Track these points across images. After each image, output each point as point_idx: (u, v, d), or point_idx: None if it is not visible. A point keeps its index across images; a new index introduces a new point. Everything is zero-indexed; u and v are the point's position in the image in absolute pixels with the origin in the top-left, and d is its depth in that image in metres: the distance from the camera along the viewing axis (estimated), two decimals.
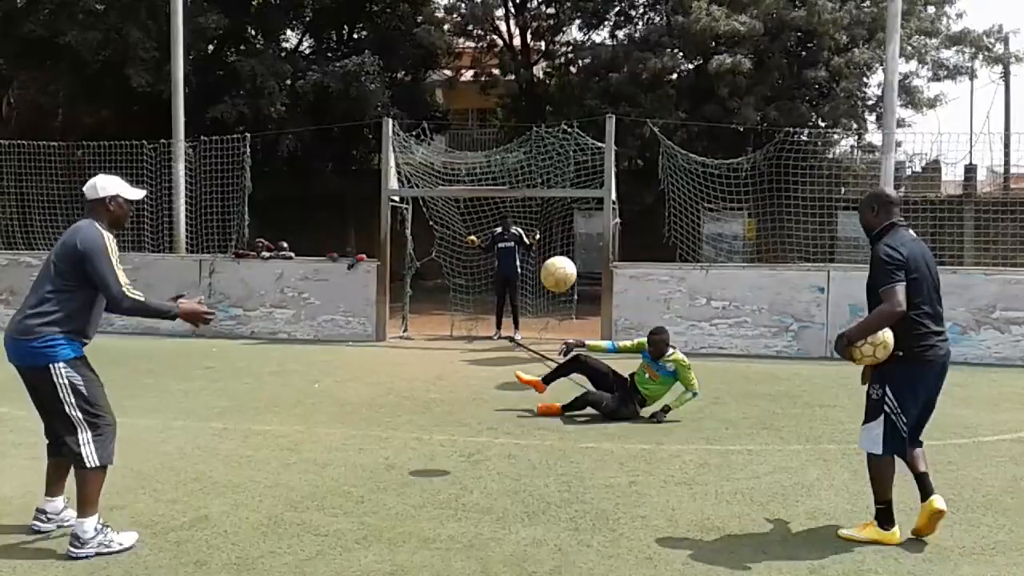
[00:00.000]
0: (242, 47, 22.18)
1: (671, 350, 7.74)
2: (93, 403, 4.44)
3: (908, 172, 20.52)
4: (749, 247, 17.94)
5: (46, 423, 4.57)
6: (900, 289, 4.36)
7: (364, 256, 13.18)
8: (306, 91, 20.45)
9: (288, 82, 20.79)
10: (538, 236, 14.03)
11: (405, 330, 13.60)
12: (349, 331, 12.83)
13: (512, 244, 13.33)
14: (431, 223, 14.38)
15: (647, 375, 7.79)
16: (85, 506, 4.37)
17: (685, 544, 4.58)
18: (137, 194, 4.77)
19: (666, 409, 7.56)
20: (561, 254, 15.14)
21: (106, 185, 4.60)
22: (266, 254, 13.27)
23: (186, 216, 14.18)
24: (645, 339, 7.88)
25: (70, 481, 4.57)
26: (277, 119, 20.29)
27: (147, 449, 6.33)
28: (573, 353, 8.09)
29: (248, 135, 14.45)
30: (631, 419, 7.56)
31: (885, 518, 4.62)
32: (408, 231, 13.89)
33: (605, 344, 8.33)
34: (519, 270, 13.57)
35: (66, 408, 4.37)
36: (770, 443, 6.82)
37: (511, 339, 13.00)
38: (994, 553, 4.48)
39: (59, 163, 14.89)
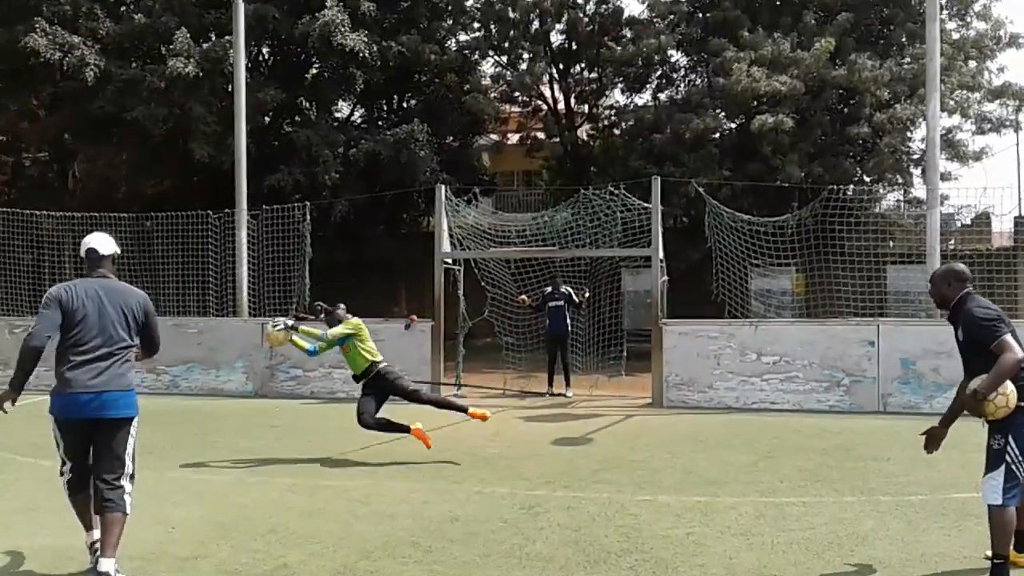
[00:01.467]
0: (297, 118, 23.05)
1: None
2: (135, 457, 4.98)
3: (957, 224, 20.52)
4: (799, 302, 18.01)
5: (82, 466, 4.93)
6: (1011, 339, 4.65)
7: (415, 317, 13.57)
8: (358, 159, 21.17)
9: (341, 151, 21.54)
10: (587, 295, 14.33)
11: (459, 388, 13.90)
12: None
13: (562, 303, 13.64)
14: (482, 283, 14.76)
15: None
16: (115, 548, 4.72)
17: None
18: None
19: None
20: (610, 311, 15.56)
21: (108, 243, 5.14)
22: (324, 317, 13.70)
23: (248, 281, 14.74)
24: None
25: None
26: (331, 186, 21.00)
27: (224, 502, 6.69)
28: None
29: (307, 204, 15.06)
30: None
31: (1001, 572, 4.74)
32: (461, 291, 14.29)
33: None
34: (569, 328, 13.85)
35: (126, 458, 4.85)
36: (824, 495, 6.94)
37: (563, 396, 13.23)
38: None
39: (127, 233, 15.61)
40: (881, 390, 11.58)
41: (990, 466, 4.78)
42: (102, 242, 5.11)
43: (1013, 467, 4.69)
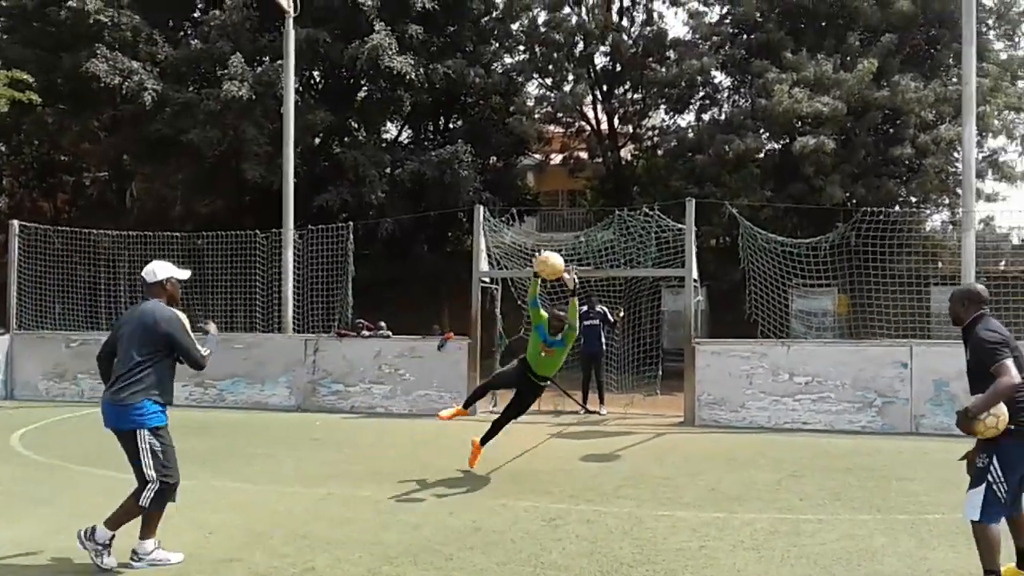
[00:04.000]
0: (346, 139, 23.72)
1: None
2: (165, 465, 5.47)
3: (1011, 245, 20.26)
4: (841, 323, 17.95)
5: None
6: (1011, 363, 4.81)
7: (452, 334, 13.89)
8: (404, 179, 21.70)
9: (388, 171, 22.11)
10: (622, 314, 14.51)
11: (495, 405, 14.16)
12: (442, 405, 13.39)
13: (597, 322, 13.85)
14: (520, 302, 15.04)
15: (541, 353, 8.40)
16: (148, 531, 5.51)
17: None
18: (185, 274, 5.85)
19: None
20: (648, 330, 15.70)
21: (161, 270, 5.67)
22: (366, 333, 14.12)
23: (294, 298, 15.22)
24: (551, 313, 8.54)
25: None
26: (377, 205, 21.54)
27: (261, 510, 7.05)
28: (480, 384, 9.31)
29: (352, 223, 15.51)
30: (538, 395, 8.75)
31: None
32: (498, 310, 14.58)
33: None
34: (604, 347, 14.05)
35: (144, 469, 5.41)
36: (841, 513, 7.06)
37: (597, 414, 13.42)
38: None
39: (181, 251, 16.21)
40: (914, 411, 11.57)
41: (973, 483, 4.94)
42: (148, 270, 5.66)
43: (994, 487, 4.83)
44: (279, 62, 19.29)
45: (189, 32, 23.70)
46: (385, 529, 6.52)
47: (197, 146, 20.54)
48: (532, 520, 6.80)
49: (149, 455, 5.37)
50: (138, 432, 5.38)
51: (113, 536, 5.47)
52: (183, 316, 5.56)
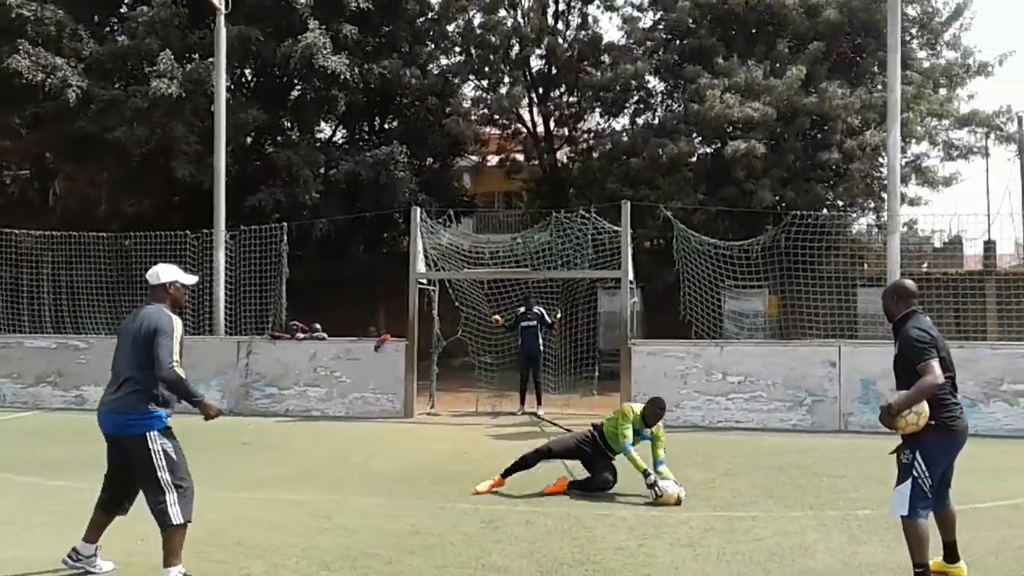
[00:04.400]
0: (279, 138, 23.30)
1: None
2: (179, 468, 5.15)
3: (930, 248, 20.98)
4: (772, 323, 18.34)
5: (114, 487, 5.30)
6: (936, 364, 4.91)
7: (388, 336, 13.78)
8: (339, 179, 21.41)
9: (322, 171, 21.79)
10: (559, 315, 14.58)
11: (432, 407, 14.11)
12: (379, 408, 13.36)
13: (535, 323, 13.89)
14: (457, 303, 15.01)
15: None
16: (171, 557, 5.11)
17: None
18: (191, 279, 5.62)
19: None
20: (585, 331, 15.83)
21: (166, 273, 5.41)
22: (300, 335, 13.92)
23: (225, 300, 14.92)
24: (636, 415, 7.93)
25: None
26: (311, 206, 21.21)
27: (194, 517, 6.85)
28: (536, 448, 8.27)
29: (286, 225, 15.29)
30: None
31: None
32: (435, 311, 14.52)
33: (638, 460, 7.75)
34: (542, 348, 14.09)
35: (158, 472, 5.06)
36: (774, 510, 7.19)
37: (534, 415, 13.45)
38: None
39: (107, 251, 15.76)
40: (842, 409, 11.88)
41: (899, 478, 5.07)
42: (153, 273, 5.45)
43: (919, 481, 4.96)
44: (210, 60, 18.88)
45: (116, 28, 22.93)
46: (321, 534, 6.42)
47: (123, 144, 19.92)
48: (471, 522, 6.77)
49: (162, 456, 5.10)
50: (148, 435, 5.11)
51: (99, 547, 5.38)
52: (178, 321, 5.28)
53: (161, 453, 5.11)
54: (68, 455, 9.60)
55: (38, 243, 16.51)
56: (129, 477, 5.24)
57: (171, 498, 5.08)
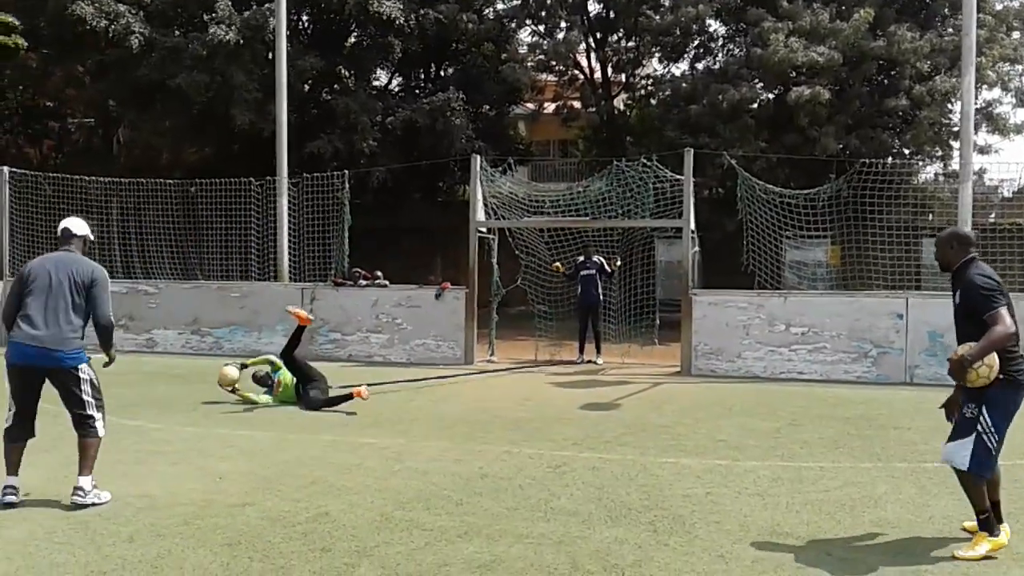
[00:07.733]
0: (336, 86, 23.35)
1: None
2: (100, 392, 5.90)
3: (999, 197, 20.34)
4: (833, 274, 18.05)
5: (24, 412, 5.82)
6: (1006, 312, 4.70)
7: (448, 284, 13.88)
8: (396, 127, 21.45)
9: (379, 118, 21.82)
10: (619, 263, 14.53)
11: (492, 354, 14.24)
12: (439, 355, 13.53)
13: (594, 272, 13.88)
14: (516, 252, 15.03)
15: None
16: (92, 463, 5.75)
17: (756, 546, 5.02)
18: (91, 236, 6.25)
19: None
20: (643, 281, 15.76)
21: (81, 226, 6.10)
22: (363, 282, 14.09)
23: (289, 247, 15.14)
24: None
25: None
26: (369, 154, 21.31)
27: (268, 458, 7.09)
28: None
29: (347, 172, 15.37)
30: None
31: (988, 525, 4.90)
32: (495, 260, 14.58)
33: None
34: (601, 297, 14.09)
35: (90, 398, 5.80)
36: (842, 461, 7.17)
37: (592, 363, 13.51)
38: None
39: (173, 199, 16.05)
40: (908, 362, 11.72)
41: (960, 433, 4.87)
42: (75, 224, 6.10)
43: (984, 437, 4.78)
44: (267, 5, 18.92)
45: None
46: (393, 475, 6.57)
47: (185, 92, 20.17)
48: (538, 467, 6.87)
49: (89, 386, 5.78)
50: (80, 367, 5.76)
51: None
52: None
53: (89, 382, 5.80)
54: (141, 395, 9.90)
55: (106, 190, 16.86)
56: (36, 406, 5.83)
57: (99, 416, 5.82)
